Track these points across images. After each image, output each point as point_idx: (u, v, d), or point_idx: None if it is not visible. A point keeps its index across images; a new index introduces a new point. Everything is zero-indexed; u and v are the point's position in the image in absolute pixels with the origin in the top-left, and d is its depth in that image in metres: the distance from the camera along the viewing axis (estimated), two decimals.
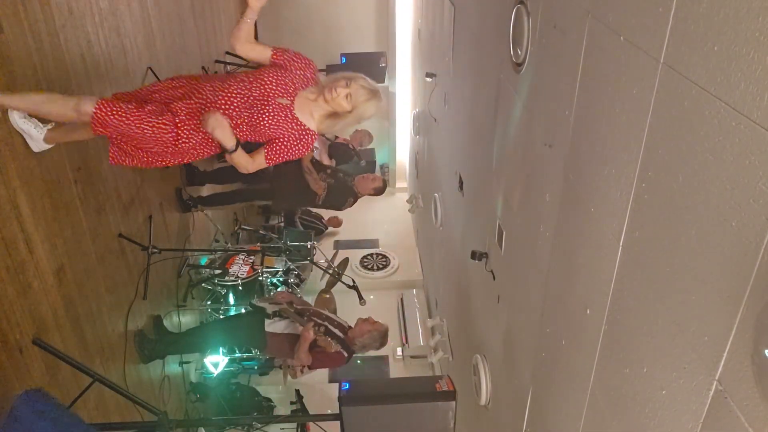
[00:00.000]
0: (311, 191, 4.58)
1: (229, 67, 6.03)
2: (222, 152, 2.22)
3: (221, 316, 4.69)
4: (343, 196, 4.71)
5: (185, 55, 4.81)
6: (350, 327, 3.82)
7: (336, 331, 3.71)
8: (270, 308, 3.76)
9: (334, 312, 4.98)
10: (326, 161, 5.44)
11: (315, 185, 4.50)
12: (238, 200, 5.06)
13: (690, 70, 1.23)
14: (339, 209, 4.89)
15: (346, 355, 3.66)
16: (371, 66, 6.65)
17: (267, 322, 3.70)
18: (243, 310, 4.52)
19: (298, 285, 5.20)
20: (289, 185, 4.58)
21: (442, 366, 5.21)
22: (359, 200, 4.97)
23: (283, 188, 4.63)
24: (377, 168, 7.89)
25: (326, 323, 3.71)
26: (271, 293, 4.64)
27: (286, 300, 3.87)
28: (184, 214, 4.52)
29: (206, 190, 4.92)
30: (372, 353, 3.99)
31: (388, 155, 8.43)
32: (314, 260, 5.02)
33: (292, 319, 3.64)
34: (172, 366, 4.12)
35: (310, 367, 3.62)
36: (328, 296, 5.66)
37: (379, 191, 4.86)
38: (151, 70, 3.90)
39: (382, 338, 3.78)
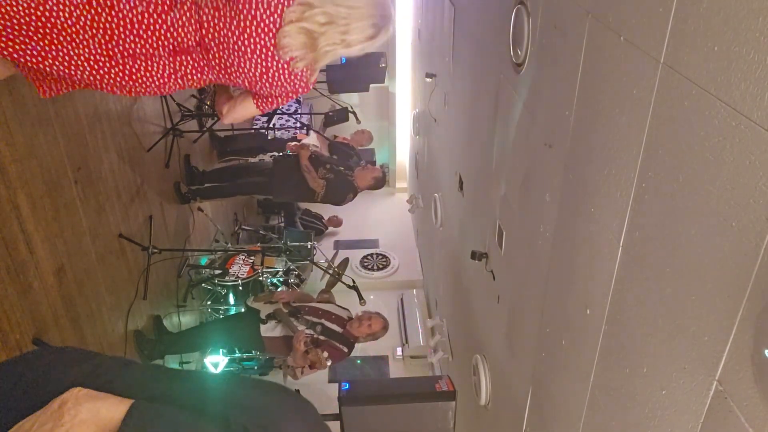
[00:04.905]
0: (311, 186, 4.58)
1: None
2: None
3: (221, 316, 4.69)
4: (343, 191, 4.70)
5: None
6: (350, 318, 3.83)
7: (334, 326, 3.71)
8: (264, 311, 3.76)
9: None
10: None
11: (314, 183, 4.50)
12: (237, 193, 5.06)
13: (690, 70, 1.23)
14: (339, 204, 4.88)
15: (345, 350, 3.66)
16: (371, 66, 6.64)
17: (263, 327, 3.70)
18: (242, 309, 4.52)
19: (298, 285, 5.20)
20: (288, 179, 4.58)
21: (442, 366, 5.21)
22: (359, 199, 4.96)
23: (283, 182, 4.63)
24: None
25: (323, 320, 3.71)
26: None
27: (282, 300, 3.86)
28: (184, 215, 4.52)
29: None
30: (372, 353, 4.00)
31: (388, 155, 8.43)
32: (314, 260, 5.02)
33: (285, 324, 3.64)
34: (173, 366, 4.12)
35: (311, 367, 3.63)
36: (327, 296, 5.66)
37: (379, 182, 4.84)
38: None
39: (381, 335, 3.82)
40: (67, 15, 1.38)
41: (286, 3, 1.51)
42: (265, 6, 1.50)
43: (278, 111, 6.28)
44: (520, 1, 2.38)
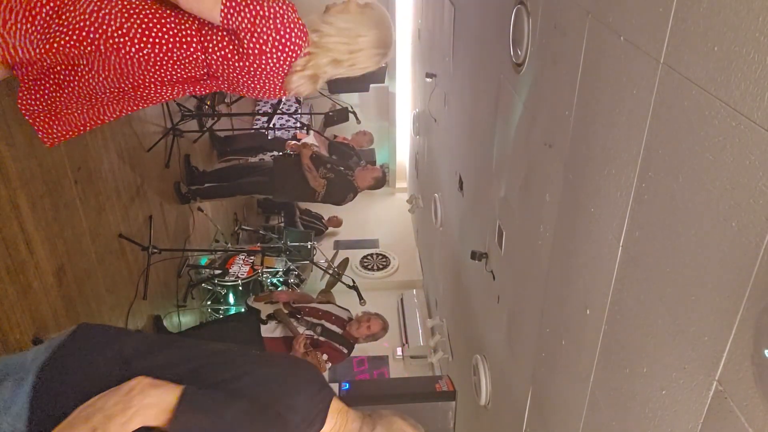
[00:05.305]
0: (311, 185, 4.58)
1: None
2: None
3: (221, 316, 4.69)
4: (344, 190, 4.70)
5: None
6: (350, 319, 3.84)
7: (334, 327, 3.72)
8: (265, 310, 3.76)
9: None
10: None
11: (314, 182, 4.50)
12: (237, 193, 5.07)
13: (690, 70, 1.23)
14: (339, 204, 4.89)
15: (345, 351, 3.67)
16: None
17: (263, 327, 3.71)
18: (242, 309, 4.52)
19: (298, 285, 5.20)
20: (288, 179, 4.59)
21: (442, 366, 5.21)
22: (359, 199, 4.96)
23: (283, 181, 4.63)
24: None
25: (323, 321, 3.72)
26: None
27: (283, 300, 3.87)
28: (184, 215, 4.52)
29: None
30: (372, 353, 4.00)
31: (388, 155, 8.43)
32: (314, 260, 5.02)
33: (285, 324, 3.65)
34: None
35: None
36: (327, 296, 5.67)
37: (379, 181, 4.84)
38: None
39: (381, 336, 3.83)
40: (84, 62, 1.55)
41: (293, 56, 1.62)
42: (275, 60, 1.61)
43: (278, 111, 6.28)
44: (520, 1, 2.38)
